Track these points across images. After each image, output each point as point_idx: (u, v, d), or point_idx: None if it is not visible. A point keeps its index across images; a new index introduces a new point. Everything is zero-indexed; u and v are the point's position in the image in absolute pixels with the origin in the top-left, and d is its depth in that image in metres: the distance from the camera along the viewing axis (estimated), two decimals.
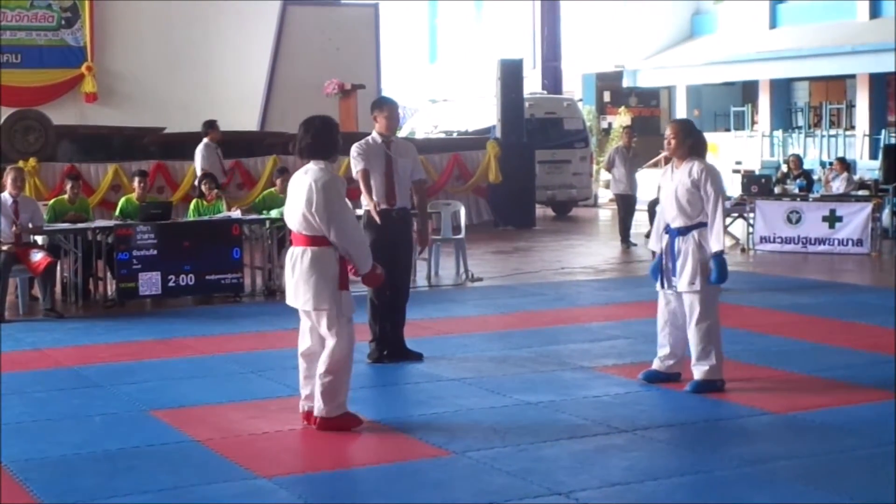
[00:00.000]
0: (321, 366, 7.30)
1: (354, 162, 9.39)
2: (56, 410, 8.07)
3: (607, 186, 22.87)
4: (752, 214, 18.30)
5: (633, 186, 19.25)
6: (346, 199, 7.33)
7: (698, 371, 8.37)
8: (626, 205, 19.11)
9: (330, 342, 7.29)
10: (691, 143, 8.46)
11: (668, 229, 8.50)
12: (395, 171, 9.42)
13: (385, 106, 9.57)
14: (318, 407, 7.35)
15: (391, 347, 9.60)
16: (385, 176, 9.38)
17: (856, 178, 20.44)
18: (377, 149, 9.41)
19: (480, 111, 25.71)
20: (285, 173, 15.24)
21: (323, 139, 7.38)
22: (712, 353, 8.34)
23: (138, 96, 23.66)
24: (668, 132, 8.53)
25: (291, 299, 7.40)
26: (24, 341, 10.80)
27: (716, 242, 8.25)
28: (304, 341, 7.53)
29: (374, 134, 9.55)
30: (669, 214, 8.47)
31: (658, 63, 34.82)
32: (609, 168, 19.58)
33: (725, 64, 32.65)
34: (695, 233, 8.33)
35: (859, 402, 7.98)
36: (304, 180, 7.31)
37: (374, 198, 9.27)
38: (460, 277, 14.89)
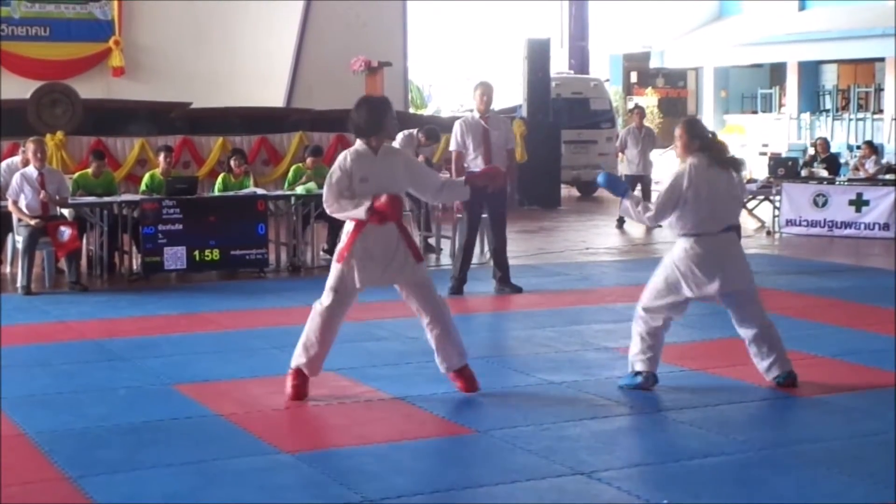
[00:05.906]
0: None
1: (452, 140, 12.00)
2: (80, 383, 8.11)
3: None
4: (778, 197, 18.21)
5: (646, 167, 19.23)
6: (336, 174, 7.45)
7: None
8: (640, 186, 18.97)
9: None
10: (699, 145, 7.77)
11: None
12: (490, 140, 11.81)
13: (480, 86, 12.03)
14: None
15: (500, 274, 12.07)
16: (483, 145, 11.79)
17: (883, 161, 20.32)
18: (475, 123, 11.91)
19: (506, 90, 25.64)
20: (318, 153, 15.26)
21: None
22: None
23: (165, 71, 23.62)
24: (676, 132, 7.91)
25: None
26: (49, 314, 10.86)
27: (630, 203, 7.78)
28: None
29: (474, 111, 12.14)
30: None
31: (686, 44, 34.67)
32: (622, 149, 19.54)
33: (753, 45, 32.51)
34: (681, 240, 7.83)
35: (884, 385, 7.94)
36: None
37: (474, 162, 11.63)
38: (484, 256, 14.86)
